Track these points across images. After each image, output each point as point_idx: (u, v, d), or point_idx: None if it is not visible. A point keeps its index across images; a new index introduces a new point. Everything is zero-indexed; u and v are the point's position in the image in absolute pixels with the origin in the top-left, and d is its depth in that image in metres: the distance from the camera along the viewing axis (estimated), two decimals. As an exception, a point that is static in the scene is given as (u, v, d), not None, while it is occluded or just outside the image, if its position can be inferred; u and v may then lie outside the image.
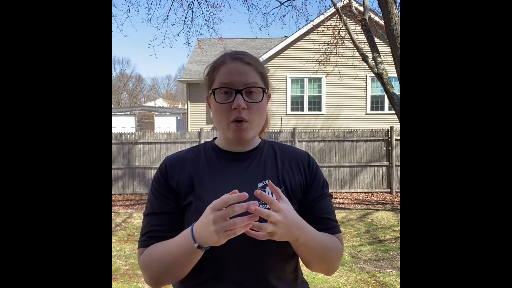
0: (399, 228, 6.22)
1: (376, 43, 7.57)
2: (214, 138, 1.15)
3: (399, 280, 4.15)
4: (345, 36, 10.52)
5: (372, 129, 10.00)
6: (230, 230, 0.84)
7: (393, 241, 5.43)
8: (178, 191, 1.04)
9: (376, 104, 13.79)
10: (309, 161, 1.12)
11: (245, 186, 0.99)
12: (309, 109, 13.89)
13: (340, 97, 13.67)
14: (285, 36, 16.75)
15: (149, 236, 1.04)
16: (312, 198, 1.09)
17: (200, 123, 16.64)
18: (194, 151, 1.12)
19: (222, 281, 0.99)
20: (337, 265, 1.08)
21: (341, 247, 1.09)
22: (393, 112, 10.91)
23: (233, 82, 1.01)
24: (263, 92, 1.05)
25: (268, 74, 1.11)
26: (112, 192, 10.04)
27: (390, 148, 9.73)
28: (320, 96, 13.85)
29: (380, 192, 9.80)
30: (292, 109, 13.88)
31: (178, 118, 25.70)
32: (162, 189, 1.05)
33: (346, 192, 9.87)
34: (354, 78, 13.37)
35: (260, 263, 1.00)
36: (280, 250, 1.01)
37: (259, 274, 1.00)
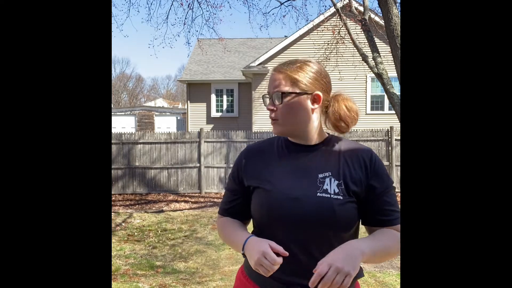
0: (399, 228, 6.21)
1: (376, 43, 7.57)
2: None
3: (399, 280, 4.15)
4: (345, 36, 10.52)
5: (372, 129, 9.99)
6: (261, 270, 1.06)
7: (393, 241, 5.44)
8: (247, 176, 1.25)
9: (376, 104, 13.79)
10: (371, 158, 1.21)
11: (307, 176, 1.17)
12: (309, 109, 13.88)
13: (340, 97, 13.64)
14: (285, 36, 16.74)
15: (222, 208, 1.34)
16: (376, 193, 1.18)
17: (200, 123, 16.63)
18: (270, 142, 1.32)
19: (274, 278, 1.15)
20: (398, 252, 1.12)
21: (399, 238, 1.13)
22: (393, 112, 10.91)
23: (268, 89, 1.24)
24: (292, 95, 1.20)
25: (318, 75, 1.24)
26: (112, 192, 10.04)
27: (390, 148, 9.73)
28: (320, 96, 13.84)
29: (380, 192, 9.79)
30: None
31: (178, 118, 25.70)
32: (235, 174, 1.30)
33: (346, 192, 9.85)
34: (354, 78, 13.36)
35: (318, 242, 1.15)
36: (340, 229, 1.16)
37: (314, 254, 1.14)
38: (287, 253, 1.05)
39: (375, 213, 1.18)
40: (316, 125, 1.24)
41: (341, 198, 1.13)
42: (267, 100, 1.24)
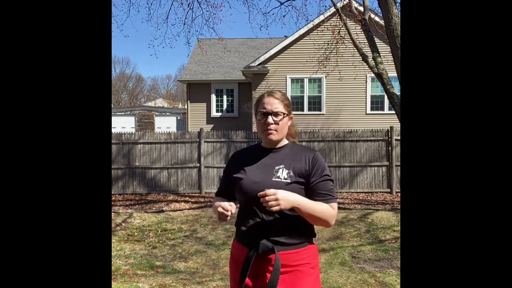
0: (399, 228, 6.22)
1: (376, 43, 7.57)
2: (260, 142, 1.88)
3: (399, 280, 4.15)
4: (345, 36, 10.52)
5: (372, 129, 9.99)
6: (220, 216, 1.68)
7: (393, 241, 5.43)
8: (231, 172, 1.84)
9: (376, 104, 13.79)
10: (313, 156, 1.76)
11: (266, 167, 1.76)
12: (309, 109, 13.89)
13: (340, 97, 13.67)
14: (285, 36, 16.74)
15: (216, 192, 1.95)
16: (314, 180, 1.72)
17: (200, 123, 16.64)
18: (250, 148, 1.91)
19: (243, 227, 1.76)
20: (331, 222, 1.70)
21: (333, 210, 1.71)
22: (393, 112, 10.91)
23: (268, 108, 1.75)
24: (284, 115, 1.78)
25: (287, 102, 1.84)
26: (112, 192, 10.03)
27: (390, 148, 9.73)
28: (320, 96, 13.85)
29: (380, 192, 9.80)
30: (292, 109, 13.88)
31: (178, 118, 25.71)
32: (226, 170, 1.89)
33: (346, 192, 9.86)
34: (354, 78, 13.36)
35: (264, 222, 1.70)
36: (288, 217, 1.69)
37: (276, 220, 1.70)
38: (230, 208, 1.64)
39: (312, 194, 1.70)
40: (284, 136, 1.84)
41: (289, 181, 1.70)
42: (270, 117, 1.74)
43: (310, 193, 1.70)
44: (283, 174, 1.71)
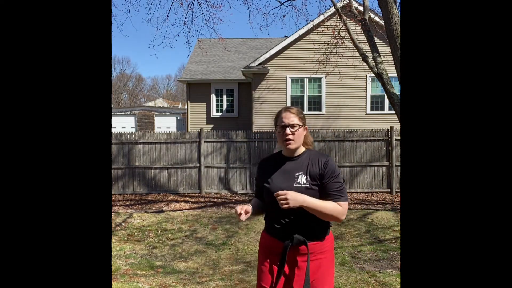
0: (399, 228, 6.22)
1: (376, 43, 7.56)
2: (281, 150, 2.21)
3: (399, 280, 4.14)
4: (345, 36, 10.52)
5: (372, 129, 9.99)
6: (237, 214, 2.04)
7: (393, 241, 5.43)
8: (261, 180, 2.19)
9: (376, 104, 13.79)
10: (326, 161, 2.06)
11: (288, 174, 2.07)
12: (309, 109, 13.90)
13: (340, 97, 13.67)
14: (285, 36, 16.74)
15: (255, 194, 2.32)
16: (325, 182, 2.02)
17: (200, 123, 16.64)
18: (272, 157, 2.24)
19: (276, 224, 2.09)
20: (340, 218, 2.00)
21: (340, 208, 1.99)
22: (393, 112, 10.91)
23: (286, 122, 2.07)
24: (299, 126, 2.09)
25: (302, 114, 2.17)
26: (112, 192, 10.03)
27: (390, 148, 9.73)
28: (320, 96, 13.85)
29: (380, 192, 9.80)
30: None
31: (178, 118, 25.71)
32: (257, 178, 2.25)
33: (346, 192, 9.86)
34: (354, 78, 13.36)
35: (299, 213, 1.99)
36: (299, 213, 2.00)
37: (300, 218, 2.03)
38: (243, 216, 2.03)
39: (324, 193, 2.01)
40: (301, 144, 2.14)
41: (308, 185, 2.01)
42: (288, 128, 2.05)
43: (323, 192, 2.02)
44: (302, 179, 2.03)
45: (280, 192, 1.90)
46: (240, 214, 2.00)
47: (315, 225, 2.05)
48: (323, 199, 1.99)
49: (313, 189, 2.00)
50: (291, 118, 2.07)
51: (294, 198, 1.89)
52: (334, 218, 1.98)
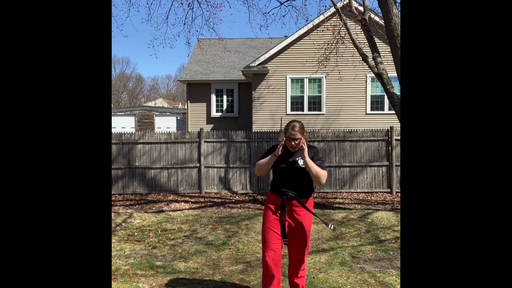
0: (399, 228, 6.21)
1: (376, 43, 7.56)
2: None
3: (399, 280, 4.15)
4: (345, 36, 10.52)
5: (372, 129, 10.00)
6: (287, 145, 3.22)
7: (393, 241, 5.43)
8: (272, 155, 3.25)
9: (376, 104, 13.79)
10: (314, 150, 3.25)
11: (292, 160, 3.21)
12: (309, 109, 13.90)
13: (340, 97, 13.67)
14: (285, 36, 16.74)
15: (261, 157, 3.36)
16: (315, 162, 3.15)
17: (200, 123, 16.64)
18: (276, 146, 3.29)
19: (282, 185, 3.25)
20: (322, 180, 3.16)
21: (323, 172, 3.16)
22: (393, 112, 10.91)
23: (293, 135, 3.16)
24: (300, 139, 3.17)
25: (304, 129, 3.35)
26: (112, 192, 10.03)
27: (390, 148, 9.73)
28: (320, 96, 13.86)
29: (380, 192, 9.80)
30: (292, 109, 13.89)
31: (178, 118, 25.71)
32: (269, 151, 3.32)
33: (346, 192, 9.87)
34: (354, 78, 13.36)
35: (295, 181, 3.24)
36: (303, 176, 3.23)
37: (296, 184, 3.25)
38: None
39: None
40: None
41: (304, 166, 3.13)
42: (293, 141, 3.14)
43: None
44: (300, 162, 3.16)
45: (304, 146, 3.10)
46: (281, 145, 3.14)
47: (303, 189, 3.25)
48: None
49: (306, 168, 3.17)
50: (296, 135, 3.14)
51: (308, 159, 3.09)
52: (318, 178, 3.13)
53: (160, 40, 53.42)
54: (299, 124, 3.17)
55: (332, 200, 9.23)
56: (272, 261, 3.17)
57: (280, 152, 3.10)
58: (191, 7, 10.84)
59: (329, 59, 11.61)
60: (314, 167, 3.10)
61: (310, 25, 13.26)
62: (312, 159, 3.15)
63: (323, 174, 3.14)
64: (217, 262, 4.75)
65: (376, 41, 7.77)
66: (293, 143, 3.12)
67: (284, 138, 3.16)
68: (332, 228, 3.32)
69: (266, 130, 11.56)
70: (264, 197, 9.26)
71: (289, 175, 3.18)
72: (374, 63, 7.11)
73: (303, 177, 3.19)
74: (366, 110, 13.74)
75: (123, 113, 26.21)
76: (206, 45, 18.69)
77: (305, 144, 3.18)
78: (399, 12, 6.16)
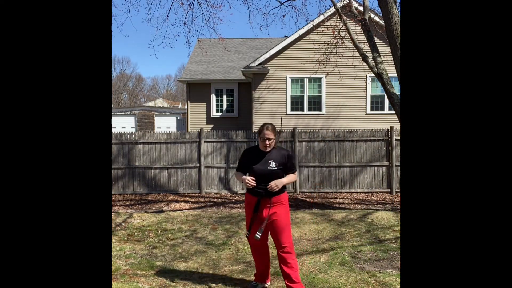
0: (399, 228, 6.21)
1: (376, 43, 7.56)
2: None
3: (399, 280, 4.14)
4: (345, 36, 10.52)
5: (372, 129, 9.99)
6: (247, 184, 3.60)
7: (393, 241, 5.43)
8: (246, 162, 3.75)
9: (376, 104, 13.79)
10: (288, 154, 3.73)
11: (265, 163, 3.63)
12: (309, 109, 13.90)
13: (340, 97, 13.67)
14: (285, 36, 16.74)
15: (237, 169, 3.87)
16: (287, 164, 3.69)
17: (200, 123, 16.64)
18: (255, 148, 3.77)
19: (257, 186, 3.63)
20: (294, 180, 4.22)
21: (294, 176, 3.76)
22: (393, 112, 10.91)
23: (267, 135, 3.61)
24: (273, 139, 3.64)
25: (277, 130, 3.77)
26: (112, 192, 10.03)
27: (390, 148, 9.73)
28: (320, 96, 13.86)
29: (380, 192, 9.80)
30: (292, 109, 13.89)
31: (178, 118, 25.72)
32: (242, 160, 3.79)
33: (346, 192, 9.87)
34: (354, 78, 13.36)
35: (269, 181, 3.61)
36: (275, 176, 3.66)
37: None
38: (254, 183, 3.56)
39: (287, 169, 3.67)
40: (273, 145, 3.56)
41: (276, 168, 3.59)
42: (267, 140, 3.57)
43: (286, 168, 3.65)
44: (273, 165, 3.59)
45: (272, 183, 3.51)
46: (253, 183, 3.54)
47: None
48: (286, 173, 3.66)
49: (279, 169, 3.59)
50: (269, 135, 3.57)
51: (280, 183, 3.53)
52: (292, 182, 3.80)
53: (160, 40, 53.43)
54: (271, 126, 3.62)
55: (332, 200, 9.23)
56: (254, 245, 3.80)
57: (249, 186, 3.57)
58: (191, 7, 10.85)
59: (329, 59, 11.61)
60: (286, 181, 3.61)
61: (310, 25, 13.26)
62: (285, 165, 3.63)
63: (293, 178, 3.73)
64: (217, 262, 4.75)
65: (376, 41, 7.77)
66: (267, 143, 3.56)
67: (259, 138, 3.65)
68: (257, 235, 3.57)
69: (266, 130, 11.55)
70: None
71: (263, 177, 3.57)
72: (374, 63, 7.11)
73: (275, 177, 3.58)
74: (366, 110, 13.74)
75: (123, 113, 26.21)
76: (206, 45, 18.69)
77: (276, 145, 3.72)
78: (399, 12, 6.16)
